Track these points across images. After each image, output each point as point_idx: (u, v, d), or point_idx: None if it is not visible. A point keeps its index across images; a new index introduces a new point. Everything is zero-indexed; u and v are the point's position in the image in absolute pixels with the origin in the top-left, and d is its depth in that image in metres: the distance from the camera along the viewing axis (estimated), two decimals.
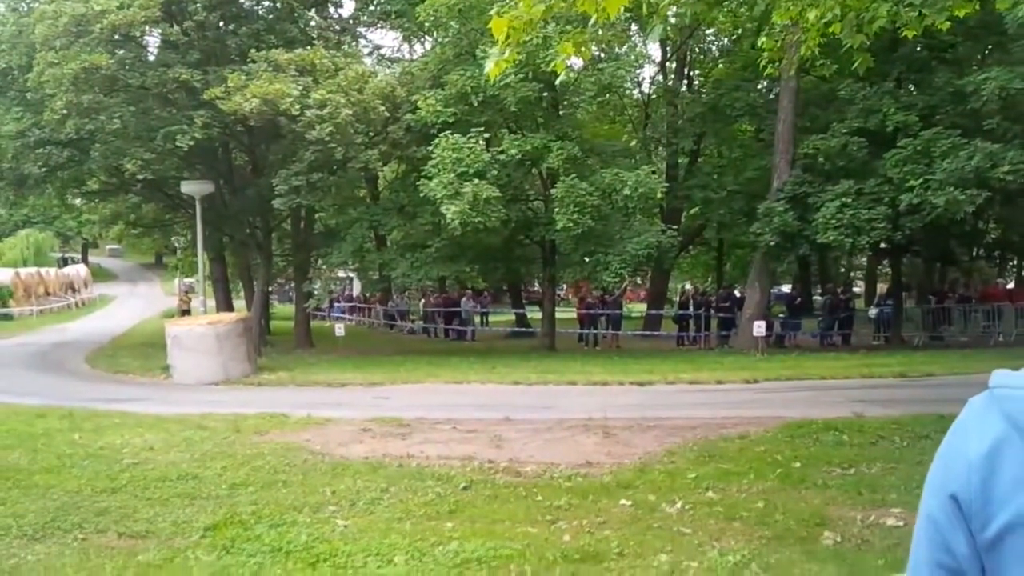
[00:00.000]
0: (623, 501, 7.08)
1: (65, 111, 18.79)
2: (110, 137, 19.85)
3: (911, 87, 20.99)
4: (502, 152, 19.33)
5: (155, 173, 21.09)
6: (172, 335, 18.21)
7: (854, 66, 9.43)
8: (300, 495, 7.39)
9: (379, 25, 25.65)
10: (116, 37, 19.02)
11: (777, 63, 10.39)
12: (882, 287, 35.13)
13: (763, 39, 9.60)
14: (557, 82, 13.52)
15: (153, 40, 21.71)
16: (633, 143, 27.25)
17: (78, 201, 35.98)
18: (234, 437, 10.15)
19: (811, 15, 7.87)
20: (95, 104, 18.86)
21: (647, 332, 26.16)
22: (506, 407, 12.46)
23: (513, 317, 31.68)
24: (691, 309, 25.13)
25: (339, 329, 24.40)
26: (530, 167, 20.92)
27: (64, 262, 57.56)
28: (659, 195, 20.10)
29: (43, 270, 45.60)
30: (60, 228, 60.15)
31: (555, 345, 23.24)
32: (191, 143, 18.92)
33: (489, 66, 6.26)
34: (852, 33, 8.21)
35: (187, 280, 43.64)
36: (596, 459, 8.82)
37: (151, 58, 21.36)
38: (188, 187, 20.14)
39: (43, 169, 21.67)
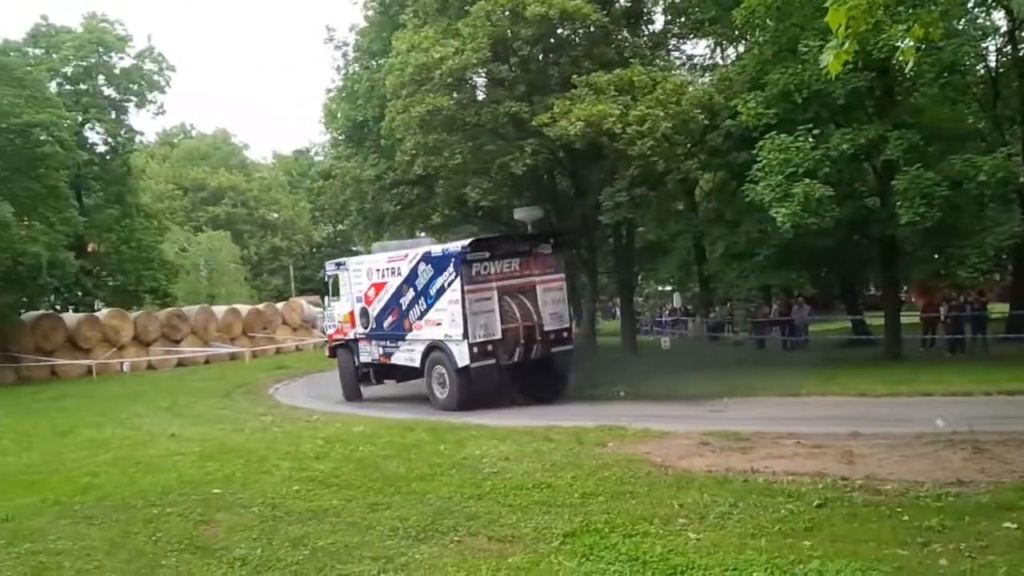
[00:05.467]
0: (1006, 524, 6.40)
1: (414, 151, 21.04)
2: (451, 173, 21.79)
3: None
4: (831, 148, 18.24)
5: (491, 202, 22.80)
6: None
7: None
8: (648, 506, 7.52)
9: (691, 36, 25.52)
10: (450, 80, 20.87)
11: None
12: None
13: None
14: (908, 68, 12.40)
15: (480, 80, 23.51)
16: (981, 124, 24.31)
17: (423, 235, 39.89)
18: (578, 448, 10.58)
19: None
20: (439, 143, 20.86)
21: (1011, 335, 22.97)
22: (852, 420, 11.74)
23: (848, 324, 29.53)
24: None
25: (665, 342, 24.49)
26: (863, 161, 19.52)
27: None
28: (1021, 179, 17.77)
29: None
30: None
31: (901, 353, 21.33)
32: (523, 169, 20.25)
33: (828, 60, 5.94)
34: None
35: None
36: (968, 477, 8.04)
37: (479, 97, 23.13)
38: (520, 213, 21.66)
39: (397, 207, 24.80)
